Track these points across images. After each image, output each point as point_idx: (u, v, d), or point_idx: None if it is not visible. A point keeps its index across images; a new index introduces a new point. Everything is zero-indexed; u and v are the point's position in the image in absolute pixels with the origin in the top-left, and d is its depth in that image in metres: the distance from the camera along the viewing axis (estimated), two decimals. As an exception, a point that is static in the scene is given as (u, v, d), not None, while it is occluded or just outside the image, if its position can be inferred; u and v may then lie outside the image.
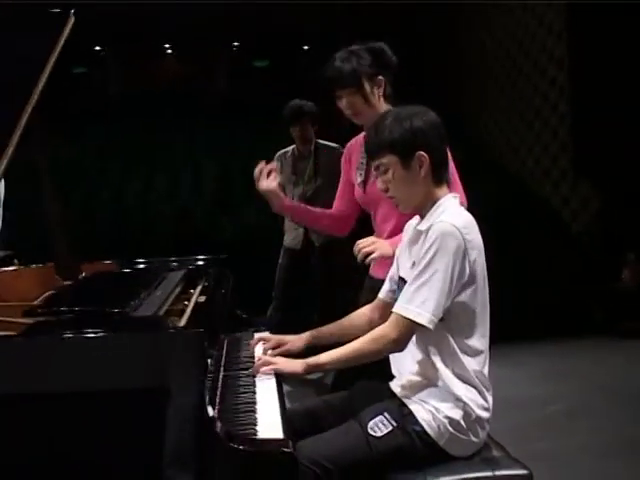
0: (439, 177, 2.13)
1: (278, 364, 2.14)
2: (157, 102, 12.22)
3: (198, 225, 7.50)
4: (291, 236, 5.12)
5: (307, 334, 2.37)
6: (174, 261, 2.88)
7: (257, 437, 1.73)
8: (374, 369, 2.18)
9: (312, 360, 2.11)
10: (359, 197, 2.83)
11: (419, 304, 1.99)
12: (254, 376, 2.13)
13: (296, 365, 2.11)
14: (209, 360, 1.76)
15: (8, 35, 2.29)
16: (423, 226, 2.10)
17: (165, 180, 8.70)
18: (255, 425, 1.82)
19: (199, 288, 2.50)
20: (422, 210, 2.15)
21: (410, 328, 2.02)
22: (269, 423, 1.84)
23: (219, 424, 1.62)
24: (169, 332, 1.78)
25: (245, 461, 1.61)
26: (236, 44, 14.19)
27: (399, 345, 2.05)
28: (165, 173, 8.87)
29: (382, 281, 2.41)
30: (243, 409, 1.91)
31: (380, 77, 2.70)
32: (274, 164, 2.77)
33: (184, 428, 1.63)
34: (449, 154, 2.61)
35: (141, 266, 2.82)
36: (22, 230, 4.23)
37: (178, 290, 2.34)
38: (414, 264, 2.10)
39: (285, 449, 1.64)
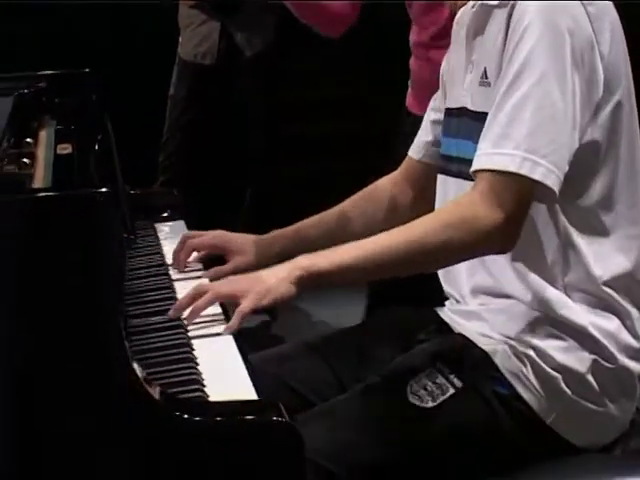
0: None
1: (235, 290, 1.54)
2: None
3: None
4: (195, 39, 3.63)
5: (277, 233, 1.89)
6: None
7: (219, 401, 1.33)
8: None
9: (308, 263, 1.52)
10: None
11: (527, 142, 1.45)
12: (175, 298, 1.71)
13: (281, 281, 1.50)
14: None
15: None
16: None
17: None
18: (202, 385, 1.41)
19: (45, 132, 1.99)
20: None
21: (527, 195, 1.47)
22: (226, 380, 1.45)
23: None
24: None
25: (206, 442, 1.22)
26: None
27: (507, 236, 1.49)
28: None
29: None
30: (171, 357, 1.50)
31: None
32: None
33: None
34: None
35: None
36: None
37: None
38: (485, 73, 1.59)
39: (278, 418, 1.23)
